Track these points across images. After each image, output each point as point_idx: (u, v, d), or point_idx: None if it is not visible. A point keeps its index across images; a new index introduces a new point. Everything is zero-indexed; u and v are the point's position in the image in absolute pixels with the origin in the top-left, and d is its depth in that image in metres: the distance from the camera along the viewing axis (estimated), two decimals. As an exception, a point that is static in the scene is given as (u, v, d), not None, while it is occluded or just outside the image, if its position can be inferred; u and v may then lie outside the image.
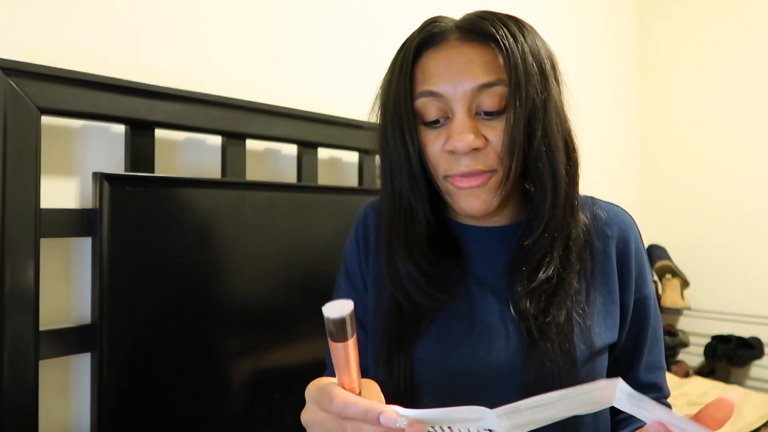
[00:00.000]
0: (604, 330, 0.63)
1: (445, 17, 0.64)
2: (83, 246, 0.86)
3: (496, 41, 0.58)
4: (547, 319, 0.59)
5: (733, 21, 2.26)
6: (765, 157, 2.17)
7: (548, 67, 0.61)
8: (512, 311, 0.61)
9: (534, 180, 0.61)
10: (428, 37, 0.62)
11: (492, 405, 0.53)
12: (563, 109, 0.63)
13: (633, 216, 0.72)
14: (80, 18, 0.87)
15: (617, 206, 0.71)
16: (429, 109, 0.60)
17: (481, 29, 0.59)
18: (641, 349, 0.69)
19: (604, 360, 0.64)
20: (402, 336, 0.63)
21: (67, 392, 0.85)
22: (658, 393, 0.71)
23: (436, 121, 0.61)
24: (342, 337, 0.42)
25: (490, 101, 0.59)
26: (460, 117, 0.58)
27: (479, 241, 0.68)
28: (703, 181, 2.33)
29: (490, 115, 0.59)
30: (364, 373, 0.67)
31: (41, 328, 0.78)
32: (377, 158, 0.67)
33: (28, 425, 0.75)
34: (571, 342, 0.58)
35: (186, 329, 0.90)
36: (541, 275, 0.60)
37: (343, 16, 1.28)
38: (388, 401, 0.54)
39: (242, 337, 0.97)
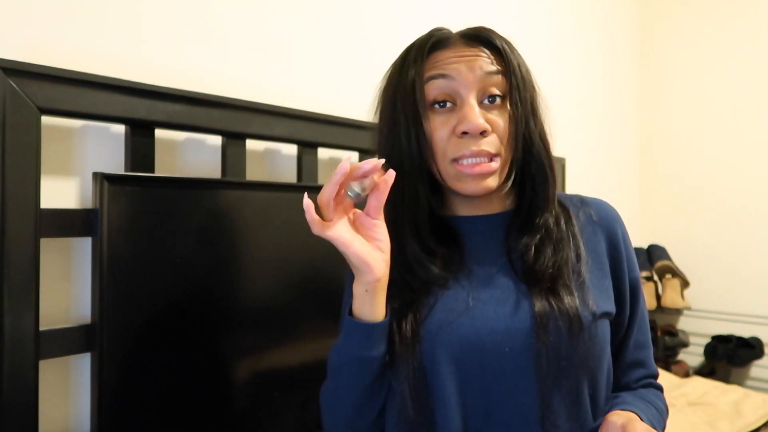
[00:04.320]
0: (600, 298, 0.69)
1: (446, 28, 0.72)
2: (83, 246, 0.86)
3: (497, 49, 0.68)
4: (553, 287, 0.65)
5: (733, 21, 2.26)
6: (765, 157, 2.17)
7: (534, 81, 0.72)
8: (517, 282, 0.67)
9: (536, 171, 0.70)
10: (436, 41, 0.69)
11: (504, 369, 0.63)
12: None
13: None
14: (80, 18, 0.87)
15: (602, 201, 0.78)
16: (437, 92, 0.67)
17: (485, 37, 0.69)
18: (632, 327, 0.75)
19: (605, 326, 0.69)
20: (414, 312, 0.67)
21: (67, 392, 0.85)
22: (644, 370, 0.77)
23: (443, 104, 0.67)
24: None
25: (495, 86, 0.67)
26: (471, 102, 0.65)
27: (475, 224, 0.74)
28: (703, 181, 2.33)
29: (493, 100, 0.67)
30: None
31: (41, 328, 0.78)
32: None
33: (28, 425, 0.75)
34: (573, 306, 0.64)
35: (186, 329, 0.90)
36: (548, 252, 0.67)
37: (343, 16, 1.28)
38: (406, 377, 0.64)
39: (242, 337, 0.97)
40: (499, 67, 0.67)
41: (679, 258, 2.34)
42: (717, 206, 2.28)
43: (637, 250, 2.31)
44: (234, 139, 1.01)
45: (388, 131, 0.70)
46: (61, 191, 0.85)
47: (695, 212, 2.35)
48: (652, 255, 2.30)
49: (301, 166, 1.13)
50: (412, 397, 0.64)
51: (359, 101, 1.31)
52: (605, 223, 0.74)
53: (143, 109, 0.87)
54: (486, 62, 0.67)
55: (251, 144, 1.08)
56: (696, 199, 2.35)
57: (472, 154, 0.65)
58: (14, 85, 0.74)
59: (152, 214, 0.87)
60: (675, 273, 2.22)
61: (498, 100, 0.67)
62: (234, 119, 0.99)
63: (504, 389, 0.63)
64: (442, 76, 0.66)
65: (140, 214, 0.85)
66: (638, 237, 2.48)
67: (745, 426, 1.43)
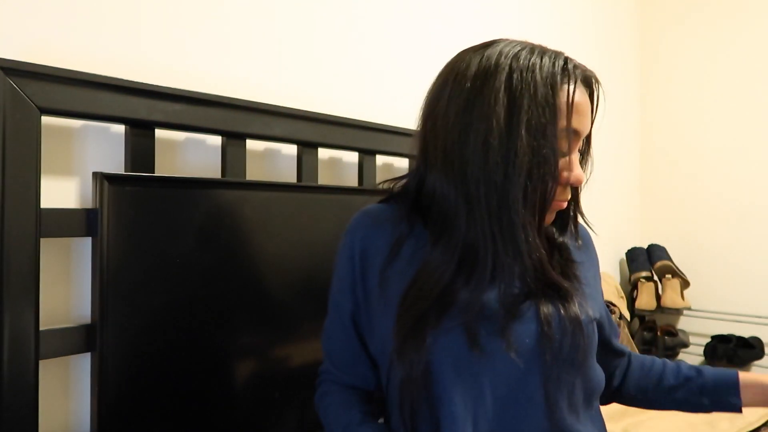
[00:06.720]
0: (590, 305, 0.73)
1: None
2: (83, 246, 0.86)
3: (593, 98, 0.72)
4: (558, 293, 0.68)
5: (733, 23, 2.26)
6: (765, 157, 2.17)
7: None
8: (527, 286, 0.68)
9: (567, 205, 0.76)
10: (585, 78, 0.70)
11: (511, 369, 0.64)
12: None
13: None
14: (80, 18, 0.87)
15: (582, 226, 0.85)
16: (565, 142, 0.67)
17: (593, 86, 0.72)
18: (614, 328, 0.88)
19: (595, 329, 0.74)
20: (429, 312, 0.65)
21: (67, 392, 0.85)
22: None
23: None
24: None
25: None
26: (576, 156, 0.70)
27: None
28: (703, 181, 2.33)
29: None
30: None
31: (41, 328, 0.78)
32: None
33: (28, 425, 0.75)
34: (575, 309, 0.67)
35: (186, 329, 0.90)
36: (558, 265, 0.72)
37: (343, 16, 1.28)
38: (407, 379, 0.65)
39: (242, 337, 0.97)
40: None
41: (679, 258, 2.34)
42: (717, 206, 2.28)
43: (637, 250, 2.32)
44: (234, 139, 1.01)
45: (533, 151, 0.64)
46: (61, 191, 0.85)
47: (695, 212, 2.35)
48: (652, 255, 2.30)
49: (301, 166, 1.13)
50: (418, 390, 0.65)
51: (359, 101, 1.31)
52: (587, 244, 0.84)
53: (143, 109, 0.87)
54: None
55: (251, 144, 1.08)
56: (696, 198, 2.35)
57: (564, 200, 0.71)
58: (14, 85, 0.74)
59: (152, 214, 0.87)
60: (675, 273, 2.22)
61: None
62: (234, 119, 0.99)
63: (512, 388, 0.65)
64: (576, 133, 0.68)
65: (140, 214, 0.85)
66: (638, 237, 2.48)
67: (745, 426, 1.43)
